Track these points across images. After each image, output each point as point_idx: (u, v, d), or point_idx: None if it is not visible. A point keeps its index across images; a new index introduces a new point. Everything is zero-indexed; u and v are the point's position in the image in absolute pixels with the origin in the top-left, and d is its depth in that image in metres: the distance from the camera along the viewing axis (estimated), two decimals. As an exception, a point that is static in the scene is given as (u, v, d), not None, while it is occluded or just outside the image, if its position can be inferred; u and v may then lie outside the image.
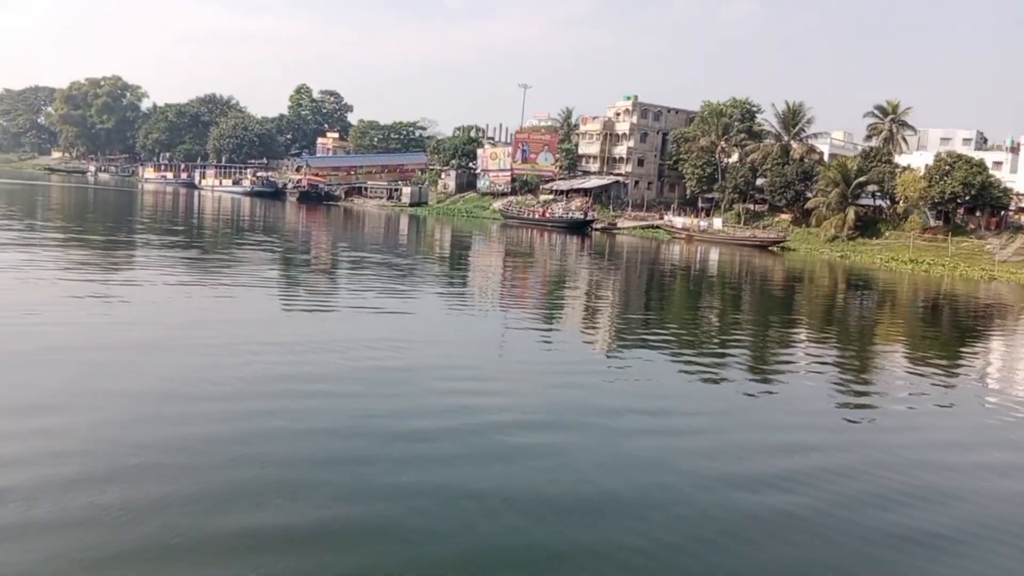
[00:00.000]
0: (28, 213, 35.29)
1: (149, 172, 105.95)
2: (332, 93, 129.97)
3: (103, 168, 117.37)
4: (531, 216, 62.07)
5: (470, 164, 78.34)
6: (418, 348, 11.24)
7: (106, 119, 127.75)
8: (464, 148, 79.16)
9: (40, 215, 35.13)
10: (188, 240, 27.59)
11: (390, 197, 75.10)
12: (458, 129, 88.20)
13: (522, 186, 71.14)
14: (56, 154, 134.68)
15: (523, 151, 71.31)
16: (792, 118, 57.92)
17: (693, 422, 8.81)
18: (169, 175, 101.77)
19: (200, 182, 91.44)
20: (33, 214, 35.14)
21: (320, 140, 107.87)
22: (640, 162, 69.95)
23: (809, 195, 53.79)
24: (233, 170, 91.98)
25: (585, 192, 67.56)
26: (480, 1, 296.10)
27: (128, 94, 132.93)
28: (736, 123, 62.10)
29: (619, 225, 59.22)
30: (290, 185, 79.64)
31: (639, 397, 9.78)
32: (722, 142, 60.47)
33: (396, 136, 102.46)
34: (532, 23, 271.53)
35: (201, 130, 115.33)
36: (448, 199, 74.84)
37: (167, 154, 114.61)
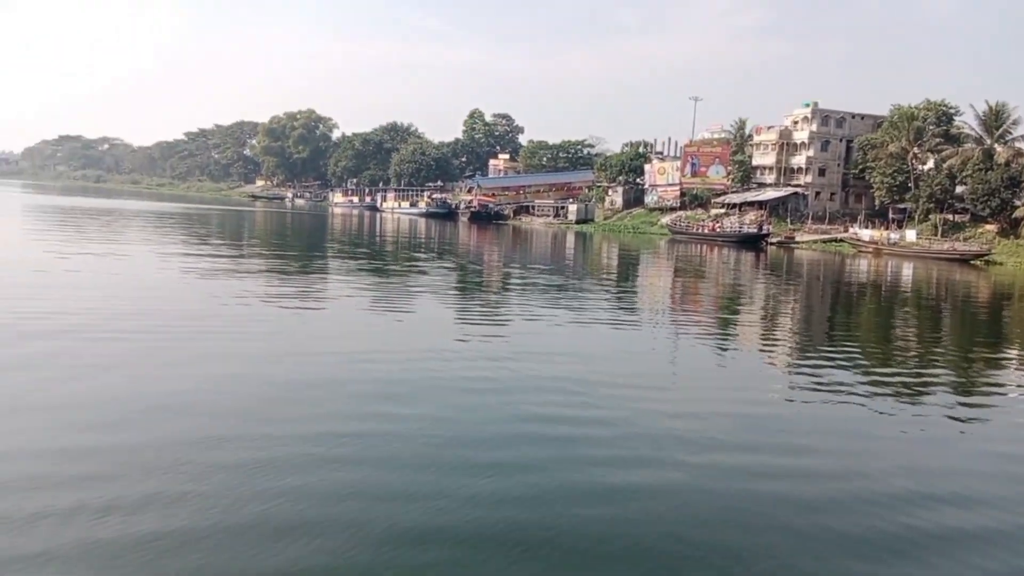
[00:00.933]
0: (236, 235, 39.19)
1: (338, 197, 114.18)
2: (504, 116, 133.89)
3: (299, 194, 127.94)
4: (700, 231, 60.28)
5: (637, 180, 77.55)
6: (592, 363, 11.02)
7: (301, 149, 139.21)
8: (631, 164, 78.51)
9: (246, 237, 38.73)
10: (370, 257, 29.27)
11: (556, 215, 75.90)
12: (626, 145, 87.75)
13: (692, 200, 69.36)
14: (259, 182, 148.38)
15: (692, 164, 69.54)
16: (995, 119, 52.35)
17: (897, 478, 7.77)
18: (355, 199, 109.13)
19: (381, 205, 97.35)
20: (240, 236, 38.94)
21: (492, 162, 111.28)
22: (821, 172, 66.02)
23: (1017, 203, 48.24)
24: (411, 193, 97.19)
25: (760, 205, 64.68)
26: (656, 16, 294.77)
27: (321, 125, 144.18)
28: (930, 127, 57.05)
29: (797, 239, 56.04)
30: (462, 206, 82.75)
31: (824, 429, 9.01)
32: (915, 148, 55.73)
33: (564, 155, 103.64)
34: (708, 34, 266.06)
35: (384, 156, 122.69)
36: (615, 215, 74.41)
37: (354, 180, 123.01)
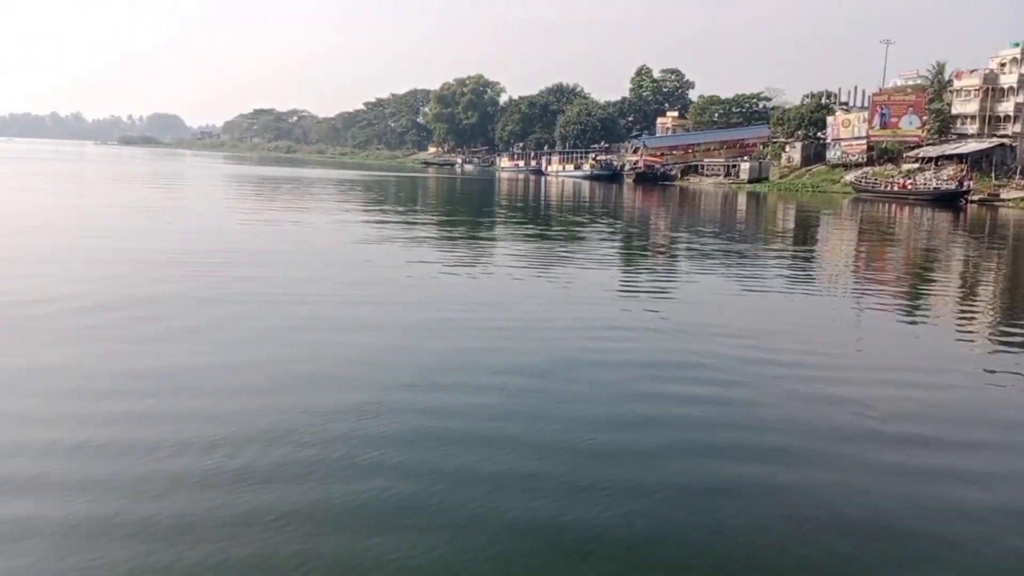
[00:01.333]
0: (408, 201, 40.95)
1: (504, 161, 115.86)
2: (673, 71, 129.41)
3: (468, 160, 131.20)
4: (889, 188, 55.39)
5: (818, 134, 72.41)
6: (767, 339, 10.34)
7: (470, 115, 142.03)
8: (811, 117, 73.34)
9: (418, 202, 40.22)
10: (531, 222, 29.37)
11: (727, 174, 72.61)
12: (807, 97, 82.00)
13: (880, 155, 63.84)
14: (431, 149, 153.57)
15: (882, 115, 63.82)
16: None
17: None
18: (521, 163, 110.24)
19: (546, 168, 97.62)
20: (411, 201, 40.56)
21: (659, 120, 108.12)
22: (1035, 119, 58.38)
23: None
24: (575, 155, 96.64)
25: (960, 158, 58.35)
26: None
27: (489, 90, 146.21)
28: None
29: (1003, 196, 50.07)
30: (627, 167, 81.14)
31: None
32: None
33: (738, 110, 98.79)
34: None
35: (550, 119, 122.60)
36: (792, 174, 70.04)
37: (520, 144, 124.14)
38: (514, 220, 30.64)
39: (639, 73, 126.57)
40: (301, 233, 21.28)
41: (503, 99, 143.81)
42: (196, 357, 8.22)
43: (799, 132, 73.77)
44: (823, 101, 77.15)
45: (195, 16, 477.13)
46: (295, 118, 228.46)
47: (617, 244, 22.87)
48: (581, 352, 9.15)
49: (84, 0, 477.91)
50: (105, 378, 7.41)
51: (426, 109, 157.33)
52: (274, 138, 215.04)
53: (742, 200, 52.24)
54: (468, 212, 34.97)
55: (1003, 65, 59.94)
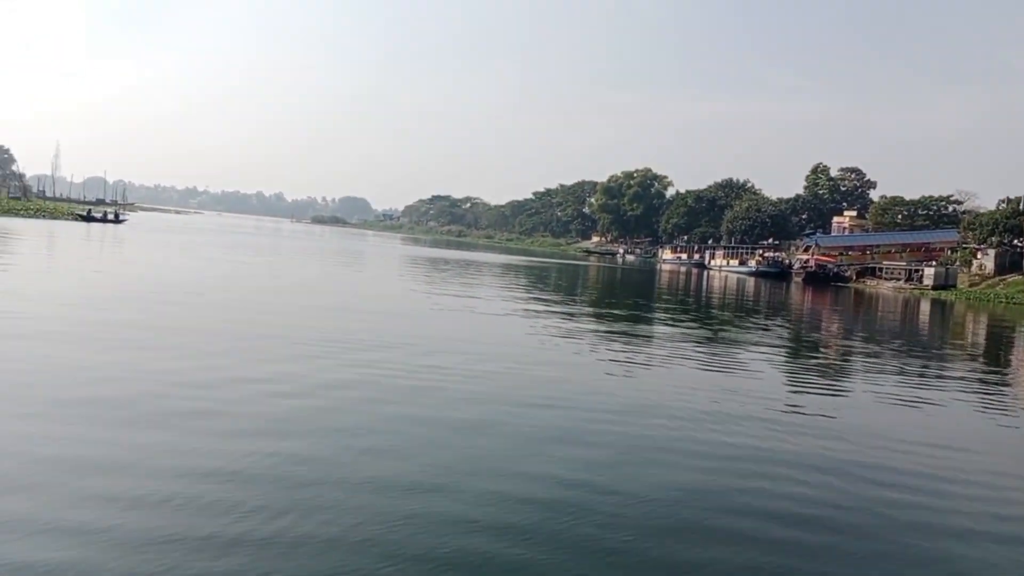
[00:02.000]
0: (571, 284, 41.69)
1: (666, 253, 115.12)
2: (853, 170, 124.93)
3: (630, 250, 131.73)
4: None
5: (1015, 241, 66.40)
6: (957, 458, 9.55)
7: (635, 206, 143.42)
8: (1007, 223, 67.52)
9: (579, 286, 40.78)
10: (692, 315, 28.85)
11: (908, 279, 67.77)
12: (1002, 201, 75.81)
13: (1093, 267, 57.39)
14: (595, 238, 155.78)
15: (1095, 224, 57.64)
16: None
17: None
18: (683, 256, 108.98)
19: (709, 262, 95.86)
20: (572, 287, 41.26)
21: (836, 219, 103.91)
22: None
23: None
24: (741, 251, 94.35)
25: None
26: None
27: (656, 183, 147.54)
28: None
29: None
30: (796, 265, 77.92)
31: None
32: None
33: (924, 212, 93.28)
34: None
35: (717, 213, 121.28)
36: (984, 282, 64.29)
37: (684, 236, 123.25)
38: (674, 311, 30.26)
39: (815, 171, 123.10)
40: (474, 320, 22.13)
41: (670, 192, 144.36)
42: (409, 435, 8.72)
43: (993, 238, 68.07)
44: (1020, 207, 71.03)
45: (385, 108, 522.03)
46: (468, 204, 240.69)
47: (784, 343, 21.83)
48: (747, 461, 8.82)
49: (288, 99, 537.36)
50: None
51: (592, 200, 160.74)
52: (448, 222, 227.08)
53: (925, 307, 48.51)
54: (626, 301, 34.96)
55: None
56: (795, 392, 13.74)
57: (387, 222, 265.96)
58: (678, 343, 19.33)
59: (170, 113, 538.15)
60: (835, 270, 73.61)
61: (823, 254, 77.75)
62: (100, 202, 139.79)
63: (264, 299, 21.43)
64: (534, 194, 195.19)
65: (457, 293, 29.63)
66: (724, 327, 25.62)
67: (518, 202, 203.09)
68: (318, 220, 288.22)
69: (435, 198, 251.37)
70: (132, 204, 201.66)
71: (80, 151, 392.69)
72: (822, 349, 22.25)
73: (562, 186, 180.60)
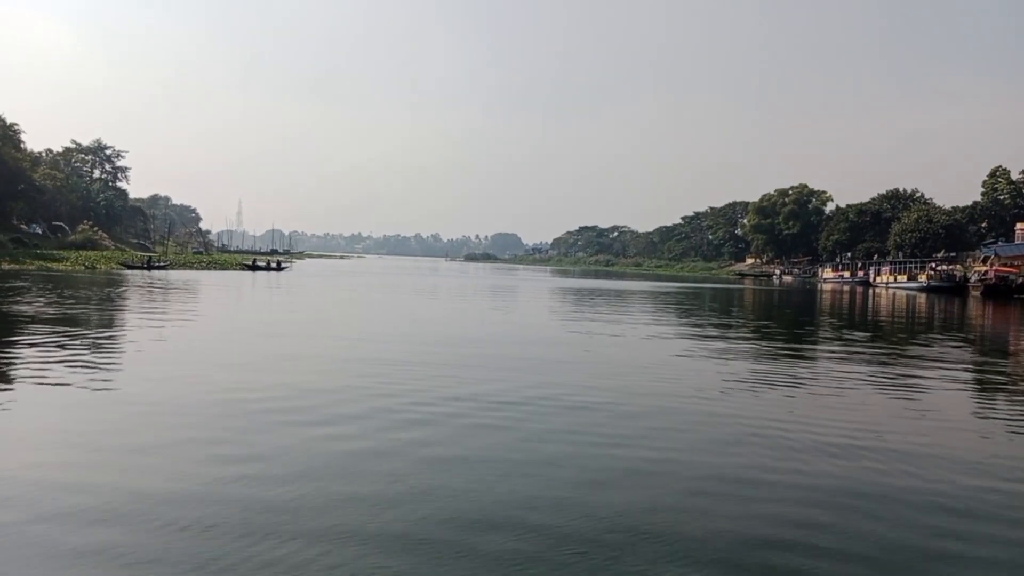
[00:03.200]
0: (724, 309, 40.54)
1: (827, 272, 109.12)
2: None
3: (787, 271, 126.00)
4: None
5: None
6: None
7: (792, 224, 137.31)
8: None
9: (732, 312, 39.47)
10: (852, 336, 27.16)
11: (1113, 288, 60.19)
12: None
13: None
14: (749, 260, 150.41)
15: None
16: None
17: None
18: (846, 274, 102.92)
19: (874, 279, 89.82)
20: (728, 309, 40.05)
21: (1019, 226, 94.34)
22: None
23: None
24: (909, 265, 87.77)
25: None
26: None
27: (813, 199, 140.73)
28: None
29: None
30: (973, 278, 71.23)
31: None
32: None
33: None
34: None
35: (882, 227, 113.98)
36: None
37: (848, 253, 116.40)
38: (836, 334, 28.63)
39: (993, 175, 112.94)
40: (621, 348, 22.17)
41: (829, 208, 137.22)
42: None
43: None
44: None
45: (536, 144, 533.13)
46: (615, 233, 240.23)
47: (962, 367, 19.97)
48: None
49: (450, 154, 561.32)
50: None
51: (744, 221, 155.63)
52: (595, 252, 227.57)
53: None
54: (786, 324, 33.44)
55: None
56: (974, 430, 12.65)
57: (536, 255, 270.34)
58: (840, 368, 18.38)
59: (339, 166, 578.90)
60: (1019, 281, 66.54)
61: (1004, 264, 70.65)
62: (273, 252, 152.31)
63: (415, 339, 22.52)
64: (682, 218, 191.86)
65: (607, 320, 29.66)
66: (893, 349, 23.90)
67: (666, 227, 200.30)
68: (471, 258, 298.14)
69: (582, 229, 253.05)
70: (301, 252, 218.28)
71: (264, 206, 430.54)
72: (1008, 369, 20.20)
73: (712, 208, 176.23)
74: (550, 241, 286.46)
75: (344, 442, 9.10)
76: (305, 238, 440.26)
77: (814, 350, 23.05)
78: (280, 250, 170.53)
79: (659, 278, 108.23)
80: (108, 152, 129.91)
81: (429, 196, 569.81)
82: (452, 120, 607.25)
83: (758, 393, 13.85)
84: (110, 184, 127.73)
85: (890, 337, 28.34)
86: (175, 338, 19.60)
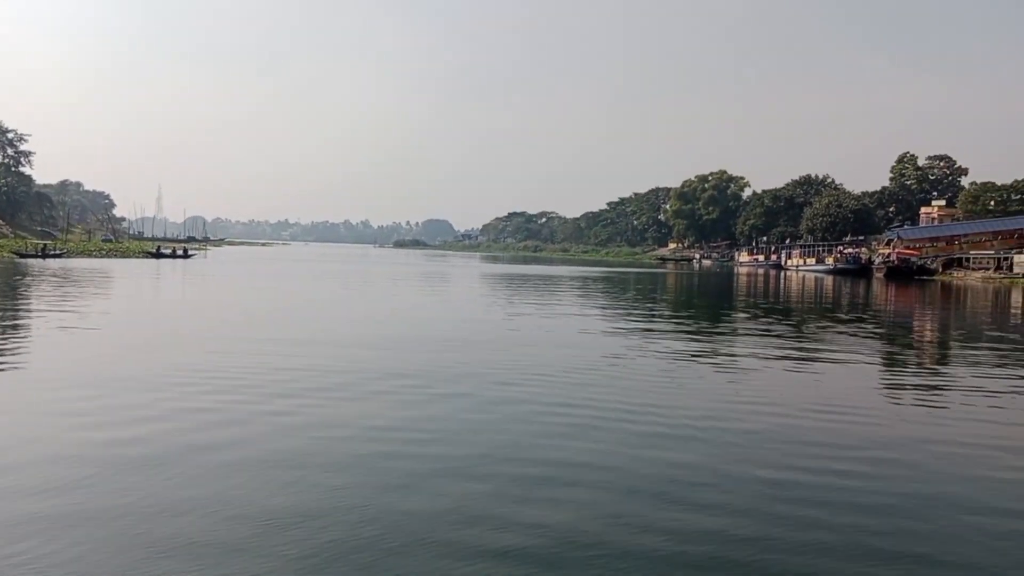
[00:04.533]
0: (647, 292, 41.19)
1: (743, 256, 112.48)
2: (942, 158, 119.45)
3: (706, 255, 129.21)
4: None
5: (1122, 221, 61.83)
6: None
7: (711, 210, 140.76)
8: (1112, 202, 62.94)
9: (652, 294, 40.08)
10: (762, 318, 27.98)
11: (998, 268, 63.91)
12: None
13: None
14: (671, 245, 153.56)
15: None
16: None
17: None
18: (760, 258, 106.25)
19: (785, 263, 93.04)
20: (649, 294, 40.68)
21: (923, 210, 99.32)
22: None
23: None
24: (818, 249, 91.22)
25: None
26: None
27: (731, 185, 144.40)
28: None
29: None
30: (877, 260, 74.63)
31: None
32: None
33: (1018, 197, 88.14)
34: None
35: (796, 212, 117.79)
36: (1087, 267, 60.06)
37: (763, 238, 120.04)
38: (744, 315, 29.48)
39: (901, 160, 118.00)
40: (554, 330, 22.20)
41: (746, 193, 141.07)
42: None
43: (1097, 219, 63.55)
44: None
45: (462, 129, 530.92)
46: (544, 219, 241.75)
47: (863, 345, 20.74)
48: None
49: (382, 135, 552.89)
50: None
51: (667, 206, 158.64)
52: (525, 238, 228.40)
53: (1016, 297, 45.59)
54: (702, 306, 34.25)
55: None
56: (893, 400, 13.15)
57: (466, 242, 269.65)
58: (759, 348, 18.90)
59: (267, 153, 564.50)
60: (919, 263, 70.02)
61: (907, 247, 74.29)
62: (190, 239, 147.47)
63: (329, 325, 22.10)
64: (608, 204, 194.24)
65: (536, 304, 29.73)
66: (802, 330, 24.69)
67: (593, 213, 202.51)
68: (400, 244, 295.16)
69: (511, 215, 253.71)
70: (221, 240, 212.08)
71: (188, 193, 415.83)
72: (909, 350, 21.10)
73: (636, 194, 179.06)
74: (480, 227, 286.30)
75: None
76: (229, 225, 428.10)
77: (711, 330, 23.67)
78: (199, 238, 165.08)
79: (585, 263, 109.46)
80: (10, 136, 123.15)
81: (359, 183, 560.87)
82: (383, 107, 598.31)
83: (676, 376, 14.15)
84: (12, 169, 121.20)
85: (792, 318, 29.35)
86: None
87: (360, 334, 19.34)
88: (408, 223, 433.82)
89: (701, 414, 10.65)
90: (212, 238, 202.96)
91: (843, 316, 30.97)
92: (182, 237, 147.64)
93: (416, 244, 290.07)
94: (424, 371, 13.50)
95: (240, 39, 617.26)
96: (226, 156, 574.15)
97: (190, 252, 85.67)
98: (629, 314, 28.22)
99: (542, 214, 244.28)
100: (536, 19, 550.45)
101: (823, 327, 25.79)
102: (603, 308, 31.05)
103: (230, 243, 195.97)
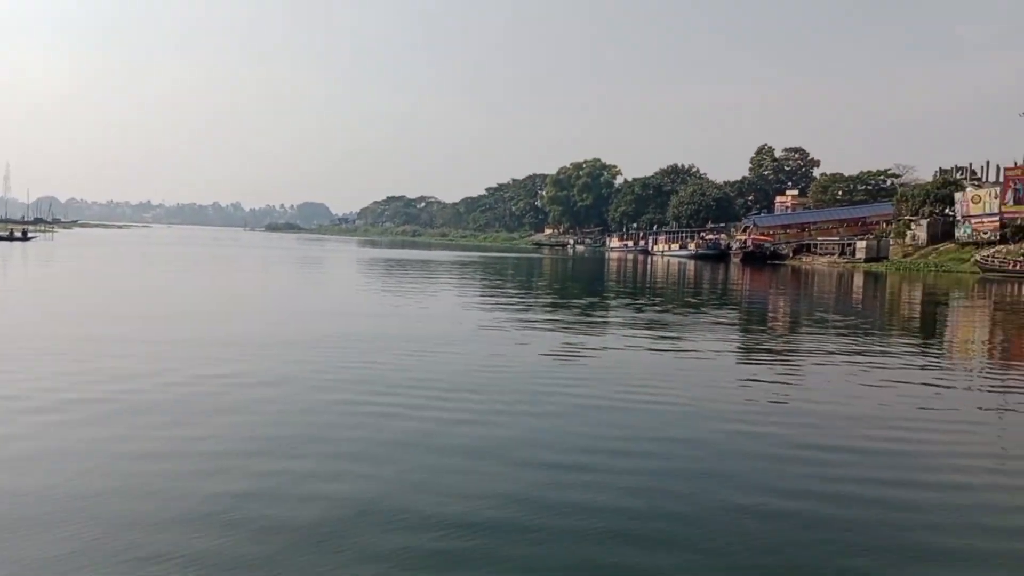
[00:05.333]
0: (524, 276, 41.37)
1: (614, 242, 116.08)
2: (796, 150, 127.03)
3: (579, 241, 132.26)
4: (1017, 268, 50.89)
5: (946, 211, 67.87)
6: (910, 427, 9.57)
7: (585, 197, 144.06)
8: (938, 193, 69.03)
9: (524, 279, 40.28)
10: (626, 299, 28.70)
11: (842, 253, 69.00)
12: (939, 173, 77.52)
13: (1016, 233, 58.82)
14: (547, 231, 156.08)
15: (1016, 191, 59.16)
16: None
17: None
18: (629, 243, 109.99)
19: (652, 248, 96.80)
20: (516, 278, 40.87)
21: (778, 199, 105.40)
22: None
23: None
24: (682, 235, 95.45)
25: (1113, 235, 52.88)
26: (1001, 29, 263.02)
27: (605, 173, 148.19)
28: None
29: None
30: (735, 246, 78.97)
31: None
32: None
33: (863, 187, 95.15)
34: None
35: (663, 200, 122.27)
36: (917, 252, 65.63)
37: (634, 224, 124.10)
38: (606, 297, 30.13)
39: (759, 152, 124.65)
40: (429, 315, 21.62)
41: (618, 181, 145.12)
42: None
43: (924, 209, 69.49)
44: (955, 177, 72.62)
45: (332, 105, 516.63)
46: (423, 204, 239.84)
47: (713, 323, 21.60)
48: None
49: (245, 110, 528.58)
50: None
51: (543, 192, 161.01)
52: (403, 222, 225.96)
53: (858, 281, 49.19)
54: (569, 289, 34.76)
55: None
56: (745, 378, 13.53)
57: (343, 226, 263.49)
58: (626, 329, 19.18)
59: (122, 122, 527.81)
60: (771, 248, 74.63)
61: (761, 234, 78.89)
62: (37, 220, 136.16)
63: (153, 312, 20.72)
64: (487, 190, 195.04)
65: (412, 290, 29.14)
66: (666, 310, 25.43)
67: (472, 198, 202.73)
68: (273, 228, 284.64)
69: (390, 199, 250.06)
70: (73, 221, 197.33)
71: (38, 172, 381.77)
72: (750, 324, 22.14)
73: (514, 180, 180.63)
74: (358, 211, 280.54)
75: None
76: (85, 207, 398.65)
77: (583, 316, 24.05)
78: (48, 219, 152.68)
79: (463, 248, 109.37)
80: None
81: (230, 164, 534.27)
82: (254, 82, 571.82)
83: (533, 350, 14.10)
84: None
85: (656, 302, 30.35)
86: None
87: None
88: (283, 206, 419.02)
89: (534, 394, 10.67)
90: (63, 220, 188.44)
91: (693, 300, 32.37)
92: (29, 219, 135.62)
93: (290, 228, 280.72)
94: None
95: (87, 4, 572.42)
96: (82, 134, 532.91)
97: (30, 234, 78.88)
98: (506, 299, 28.25)
99: (421, 198, 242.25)
100: (408, 3, 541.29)
101: (681, 308, 26.78)
102: (481, 294, 30.98)
103: (83, 225, 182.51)
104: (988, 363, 16.33)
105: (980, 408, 11.22)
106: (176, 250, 65.57)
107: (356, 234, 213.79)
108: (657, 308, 26.32)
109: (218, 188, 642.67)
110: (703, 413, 9.97)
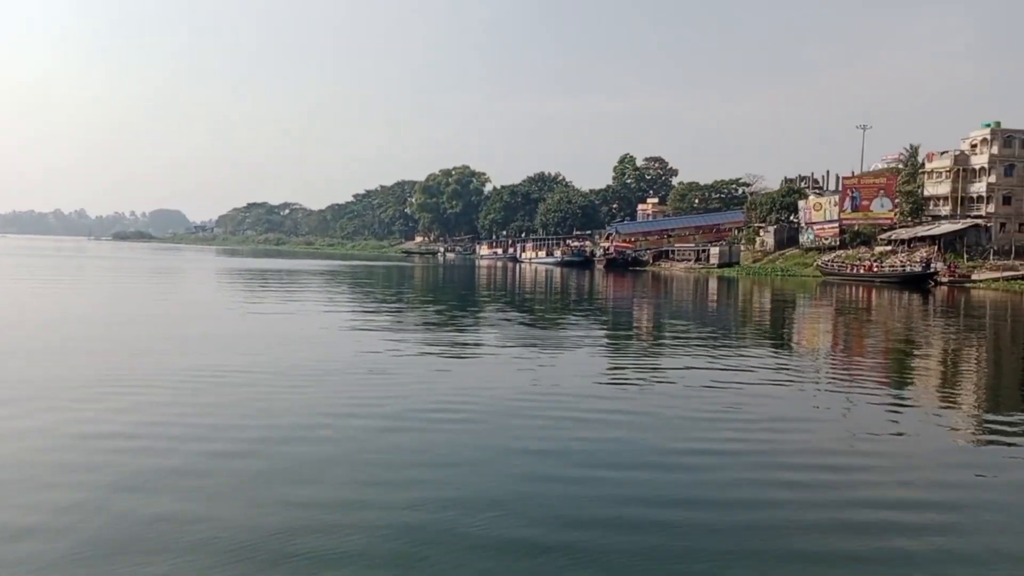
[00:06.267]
0: (392, 286, 39.98)
1: (484, 249, 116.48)
2: (657, 159, 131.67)
3: (450, 248, 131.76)
4: (855, 272, 55.00)
5: (792, 218, 72.58)
6: (767, 427, 9.69)
7: (455, 204, 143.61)
8: (783, 201, 73.75)
9: (392, 290, 39.00)
10: (511, 308, 28.25)
11: (697, 259, 72.39)
12: (787, 181, 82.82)
13: (853, 238, 63.63)
14: (418, 238, 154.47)
15: (852, 199, 64.02)
16: None
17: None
18: (499, 251, 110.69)
19: (520, 255, 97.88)
20: (394, 287, 39.52)
21: (640, 207, 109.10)
22: (1006, 200, 58.63)
23: None
24: (549, 242, 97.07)
25: (933, 240, 58.11)
26: (843, 50, 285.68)
27: (474, 180, 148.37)
28: None
29: (975, 277, 49.40)
30: (599, 253, 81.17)
31: None
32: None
33: (717, 196, 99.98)
34: (897, 67, 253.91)
35: (532, 207, 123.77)
36: (765, 258, 69.76)
37: (504, 232, 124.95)
38: (474, 306, 29.58)
39: (622, 161, 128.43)
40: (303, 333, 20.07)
41: (488, 189, 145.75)
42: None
43: (772, 216, 73.99)
44: (799, 186, 77.75)
45: (187, 105, 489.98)
46: (287, 211, 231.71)
47: (574, 330, 21.51)
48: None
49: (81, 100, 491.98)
50: None
51: (412, 199, 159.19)
52: (266, 230, 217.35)
53: (712, 285, 51.46)
54: (438, 299, 33.94)
55: (974, 146, 60.34)
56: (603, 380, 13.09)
57: (200, 234, 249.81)
58: (473, 337, 18.57)
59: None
60: (633, 255, 77.29)
61: (624, 241, 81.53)
62: None
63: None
64: (354, 196, 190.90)
65: (275, 301, 27.27)
66: (537, 318, 25.11)
67: (339, 205, 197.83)
68: (121, 236, 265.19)
69: (251, 205, 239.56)
70: None
71: None
72: (611, 328, 22.18)
73: (382, 187, 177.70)
74: (216, 219, 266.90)
75: None
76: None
77: (454, 323, 23.37)
78: None
79: (330, 257, 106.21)
80: None
81: (75, 165, 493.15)
82: (97, 83, 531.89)
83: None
84: None
85: (530, 308, 30.14)
86: None
87: None
88: (133, 213, 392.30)
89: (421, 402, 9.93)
90: None
91: (558, 305, 32.54)
92: None
93: (141, 236, 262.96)
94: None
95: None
96: None
97: None
98: (376, 315, 27.12)
99: (285, 205, 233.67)
100: (262, 9, 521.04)
101: (546, 315, 26.68)
102: (348, 304, 29.64)
103: None
104: (833, 362, 17.11)
105: (826, 407, 11.57)
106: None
107: (215, 243, 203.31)
108: (525, 321, 26.12)
109: (60, 194, 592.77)
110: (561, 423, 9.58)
